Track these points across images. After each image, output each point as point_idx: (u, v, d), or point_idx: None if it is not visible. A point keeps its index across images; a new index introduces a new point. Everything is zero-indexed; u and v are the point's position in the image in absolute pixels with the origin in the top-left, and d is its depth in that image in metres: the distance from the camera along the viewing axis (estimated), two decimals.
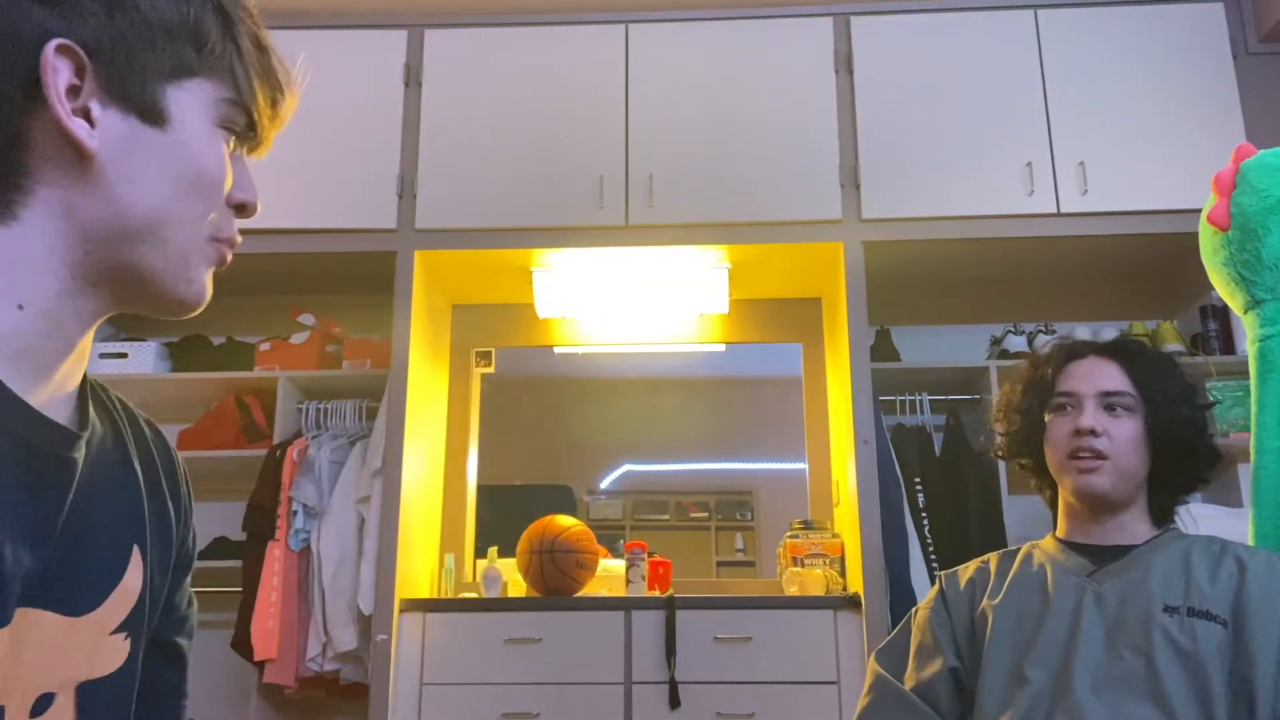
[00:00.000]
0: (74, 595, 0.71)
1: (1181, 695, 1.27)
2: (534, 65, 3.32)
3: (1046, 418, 1.51)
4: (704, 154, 3.22)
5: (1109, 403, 1.46)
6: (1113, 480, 1.43)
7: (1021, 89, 3.22)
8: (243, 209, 0.77)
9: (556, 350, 3.66)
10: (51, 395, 0.71)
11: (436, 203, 3.21)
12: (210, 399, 3.42)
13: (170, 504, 0.84)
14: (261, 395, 3.37)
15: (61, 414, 0.72)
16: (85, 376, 0.76)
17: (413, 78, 3.33)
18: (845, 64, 3.28)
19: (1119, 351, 1.52)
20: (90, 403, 0.76)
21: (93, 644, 0.73)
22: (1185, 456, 1.47)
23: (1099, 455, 1.43)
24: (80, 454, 0.72)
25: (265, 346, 3.38)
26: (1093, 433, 1.44)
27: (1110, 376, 1.48)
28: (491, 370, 3.62)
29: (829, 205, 3.15)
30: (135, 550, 0.77)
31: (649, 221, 3.17)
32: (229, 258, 0.77)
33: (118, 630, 0.75)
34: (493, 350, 3.64)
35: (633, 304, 3.47)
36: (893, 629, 1.61)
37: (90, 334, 0.74)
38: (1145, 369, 1.49)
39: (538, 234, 3.20)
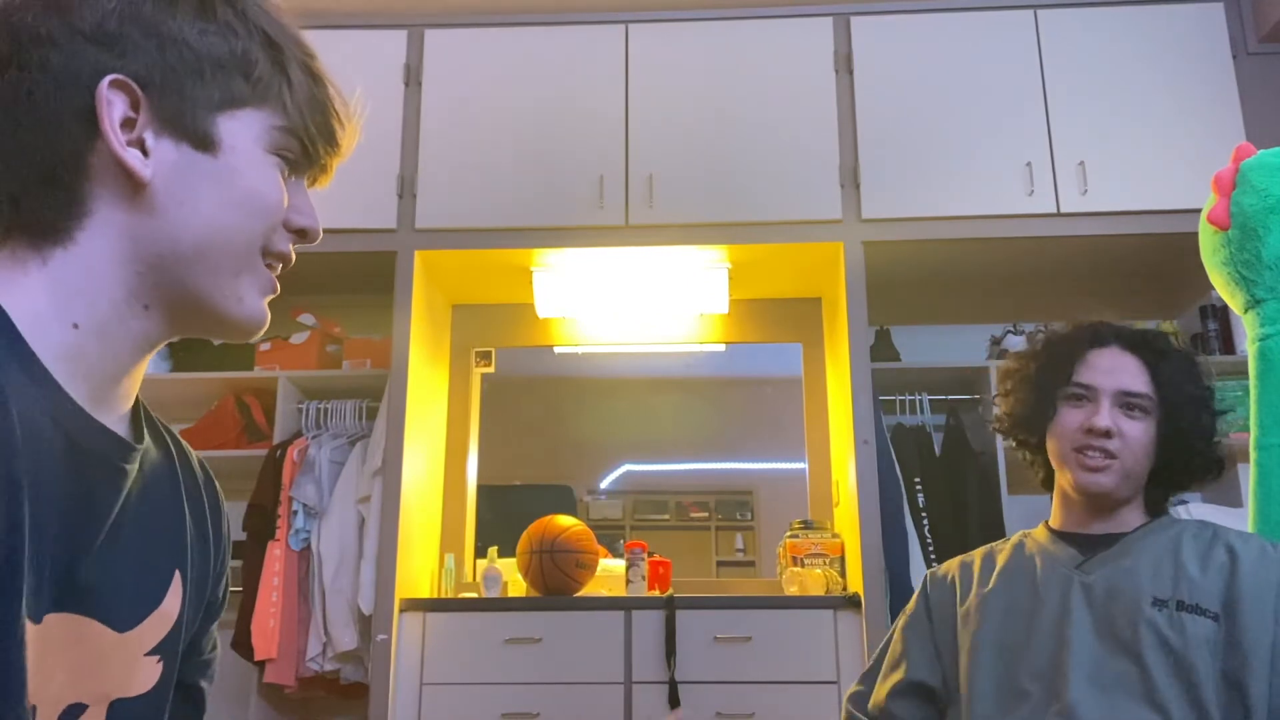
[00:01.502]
0: (115, 609, 0.72)
1: (1174, 695, 1.24)
2: (534, 65, 3.32)
3: (1058, 403, 1.45)
4: (704, 154, 3.22)
5: (1126, 402, 1.40)
6: (1118, 480, 1.39)
7: (1021, 89, 3.22)
8: (303, 234, 0.79)
9: (556, 350, 3.66)
10: (107, 414, 0.72)
11: (436, 203, 3.21)
12: (210, 399, 3.42)
13: (212, 542, 0.85)
14: (261, 395, 3.37)
15: (117, 430, 0.73)
16: (138, 400, 0.78)
17: (413, 78, 3.33)
18: (845, 64, 3.28)
19: (1145, 348, 1.45)
20: (144, 426, 0.78)
21: (130, 662, 0.74)
22: (1192, 460, 1.43)
23: (1109, 455, 1.38)
24: (132, 466, 0.73)
25: (265, 346, 3.39)
26: (1107, 434, 1.38)
27: (1132, 375, 1.42)
28: (491, 370, 3.62)
29: (829, 205, 3.15)
30: (176, 574, 0.78)
31: (649, 221, 3.17)
32: (277, 286, 0.79)
33: (152, 652, 0.76)
34: (493, 350, 3.64)
35: (633, 304, 3.47)
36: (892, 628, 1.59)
37: (145, 361, 0.76)
38: (1169, 371, 1.42)
39: (538, 234, 3.20)
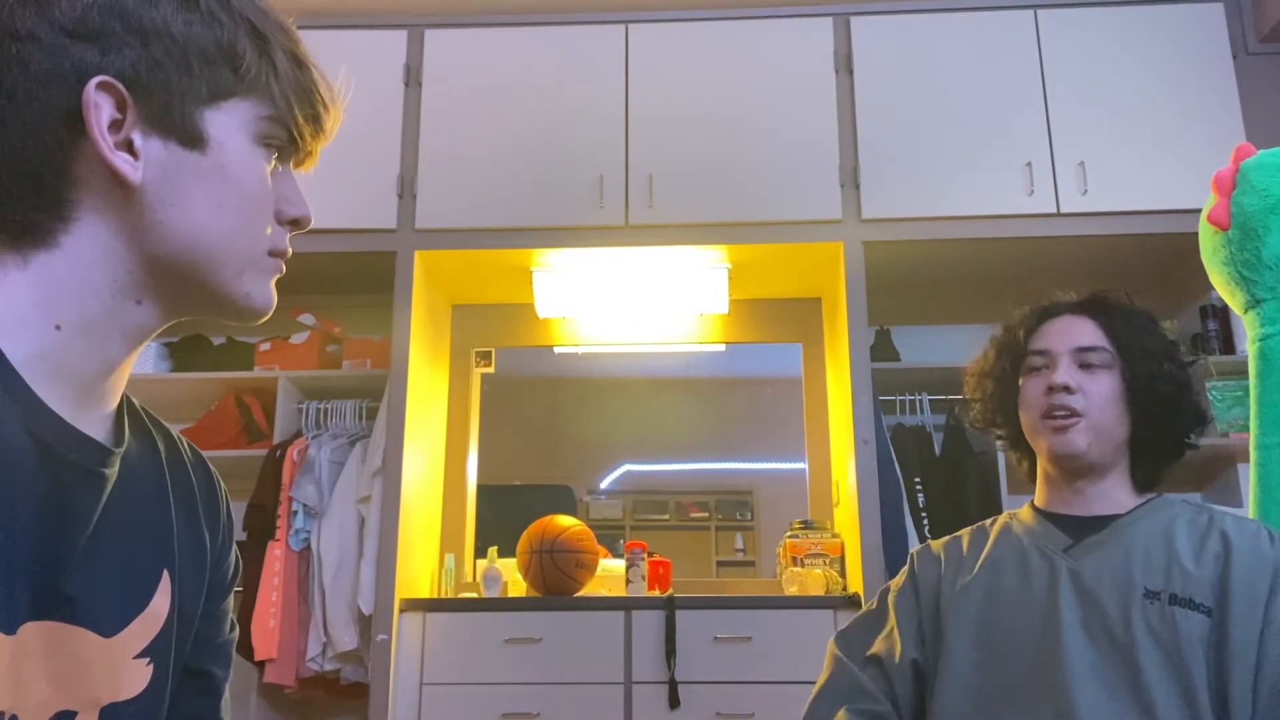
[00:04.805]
0: (100, 614, 0.71)
1: (1166, 694, 1.19)
2: (534, 65, 3.32)
3: (1020, 380, 1.43)
4: (704, 154, 3.22)
5: (1084, 359, 1.38)
6: (1089, 439, 1.35)
7: (1021, 89, 3.22)
8: (296, 223, 0.78)
9: (556, 350, 3.66)
10: (90, 413, 0.71)
11: (436, 203, 3.21)
12: (210, 399, 3.42)
13: (206, 530, 0.84)
14: (261, 395, 3.37)
15: (99, 431, 0.72)
16: (125, 396, 0.77)
17: (413, 78, 3.33)
18: (845, 64, 3.28)
19: (1095, 307, 1.44)
20: (127, 422, 0.76)
21: (118, 666, 0.73)
22: (1167, 416, 1.39)
23: (1073, 413, 1.35)
24: (112, 470, 0.72)
25: (265, 346, 3.39)
26: (1066, 389, 1.35)
27: (1085, 332, 1.40)
28: (491, 370, 3.62)
29: (829, 205, 3.15)
30: (165, 574, 0.77)
31: (649, 221, 3.17)
32: (283, 267, 0.78)
33: (142, 654, 0.75)
34: (493, 350, 3.64)
35: (633, 304, 3.47)
36: None
37: (135, 353, 0.74)
38: (1123, 324, 1.41)
39: (538, 234, 3.20)
